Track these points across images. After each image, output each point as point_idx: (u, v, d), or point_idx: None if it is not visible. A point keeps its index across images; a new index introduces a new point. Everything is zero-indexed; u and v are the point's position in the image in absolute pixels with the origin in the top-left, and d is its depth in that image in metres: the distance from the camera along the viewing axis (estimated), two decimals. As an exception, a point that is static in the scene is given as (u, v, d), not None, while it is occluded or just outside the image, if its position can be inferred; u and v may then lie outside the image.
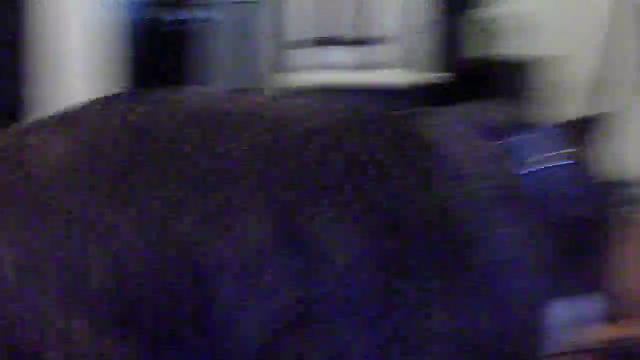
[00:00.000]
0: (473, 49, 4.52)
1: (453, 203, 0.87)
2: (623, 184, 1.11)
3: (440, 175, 0.90)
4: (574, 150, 1.03)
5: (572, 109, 4.41)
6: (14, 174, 0.75)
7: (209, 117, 0.85)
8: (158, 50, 5.76)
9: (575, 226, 1.02)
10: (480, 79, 4.52)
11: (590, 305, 1.04)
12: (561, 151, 1.01)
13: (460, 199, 0.88)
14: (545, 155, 1.00)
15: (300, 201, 0.81)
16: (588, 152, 1.04)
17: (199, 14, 5.27)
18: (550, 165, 1.01)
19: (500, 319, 0.88)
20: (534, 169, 0.99)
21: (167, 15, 6.08)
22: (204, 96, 0.92)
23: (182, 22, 6.06)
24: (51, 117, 0.81)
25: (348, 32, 4.15)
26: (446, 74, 3.97)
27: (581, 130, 1.07)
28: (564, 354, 1.11)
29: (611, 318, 1.21)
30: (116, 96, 0.91)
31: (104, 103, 0.85)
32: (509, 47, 4.62)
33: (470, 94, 4.27)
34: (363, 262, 0.81)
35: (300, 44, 4.04)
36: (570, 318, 0.99)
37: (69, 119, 0.81)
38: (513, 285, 0.89)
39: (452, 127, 0.96)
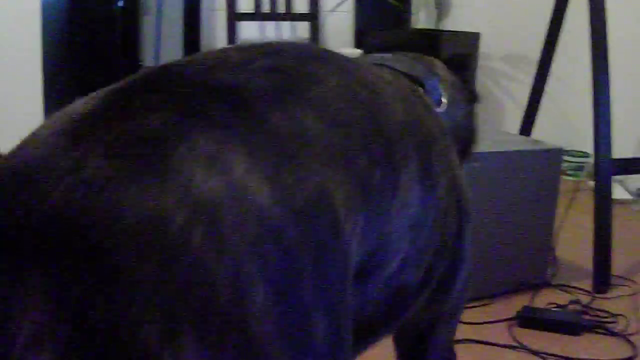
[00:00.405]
0: (392, 25, 4.60)
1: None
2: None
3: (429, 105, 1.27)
4: (465, 97, 1.47)
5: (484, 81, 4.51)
6: None
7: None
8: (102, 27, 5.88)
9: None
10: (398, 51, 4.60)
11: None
12: (459, 97, 1.45)
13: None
14: (450, 98, 1.39)
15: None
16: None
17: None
18: (454, 106, 1.40)
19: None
20: (444, 108, 1.34)
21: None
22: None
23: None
24: None
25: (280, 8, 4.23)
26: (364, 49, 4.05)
27: (467, 88, 1.52)
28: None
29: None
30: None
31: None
32: (427, 22, 4.71)
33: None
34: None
35: (246, 17, 4.12)
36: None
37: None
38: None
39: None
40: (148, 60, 4.89)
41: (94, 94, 0.84)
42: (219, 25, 4.25)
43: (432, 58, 1.58)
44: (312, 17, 4.28)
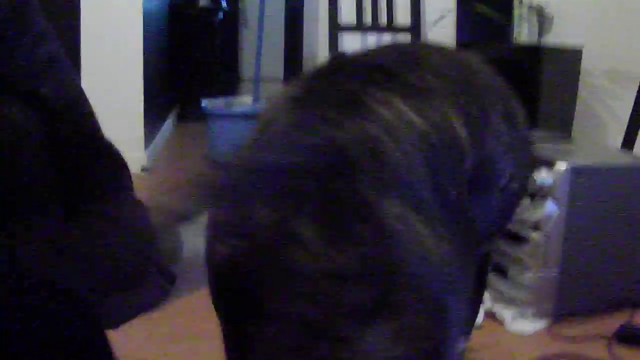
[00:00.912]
0: (493, 38, 4.55)
1: None
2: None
3: None
4: None
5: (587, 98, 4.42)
6: None
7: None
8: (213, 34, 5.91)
9: None
10: (499, 66, 4.53)
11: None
12: None
13: None
14: None
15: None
16: None
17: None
18: None
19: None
20: None
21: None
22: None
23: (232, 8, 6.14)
24: None
25: (380, 20, 4.23)
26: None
27: None
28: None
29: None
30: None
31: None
32: (529, 36, 4.64)
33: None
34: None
35: (348, 29, 4.14)
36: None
37: None
38: None
39: None
40: (247, 72, 4.93)
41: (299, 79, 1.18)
42: (321, 37, 4.28)
43: None
44: (414, 29, 4.29)
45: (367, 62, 1.20)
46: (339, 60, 1.23)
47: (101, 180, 1.33)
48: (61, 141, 1.25)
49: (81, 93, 1.31)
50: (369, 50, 1.29)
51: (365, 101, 1.04)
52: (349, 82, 1.10)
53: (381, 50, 1.30)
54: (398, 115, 1.05)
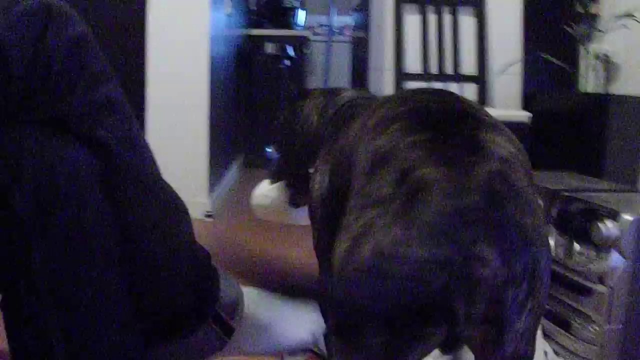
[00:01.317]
0: (559, 87, 4.50)
1: None
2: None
3: None
4: None
5: None
6: None
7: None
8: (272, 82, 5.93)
9: None
10: (566, 115, 4.54)
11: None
12: None
13: None
14: None
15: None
16: None
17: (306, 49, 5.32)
18: None
19: None
20: None
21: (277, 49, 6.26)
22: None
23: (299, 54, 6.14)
24: None
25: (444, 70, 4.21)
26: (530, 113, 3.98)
27: None
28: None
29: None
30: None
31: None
32: (594, 85, 4.57)
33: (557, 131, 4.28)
34: None
35: (414, 77, 4.14)
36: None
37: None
38: None
39: None
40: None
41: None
42: (386, 85, 4.28)
43: None
44: (480, 78, 4.28)
45: (446, 108, 1.28)
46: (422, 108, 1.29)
47: (157, 223, 1.34)
48: (117, 183, 1.26)
49: (138, 136, 1.32)
50: (414, 95, 1.36)
51: (483, 144, 1.18)
52: (460, 128, 1.21)
53: (428, 95, 1.35)
54: (507, 150, 1.20)
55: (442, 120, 1.24)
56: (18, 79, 1.15)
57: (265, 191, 2.02)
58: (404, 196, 1.10)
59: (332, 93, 1.84)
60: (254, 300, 1.56)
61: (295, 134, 1.85)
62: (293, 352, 1.66)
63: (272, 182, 1.99)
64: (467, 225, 1.06)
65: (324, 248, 1.56)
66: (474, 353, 1.18)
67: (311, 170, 1.68)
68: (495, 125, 1.26)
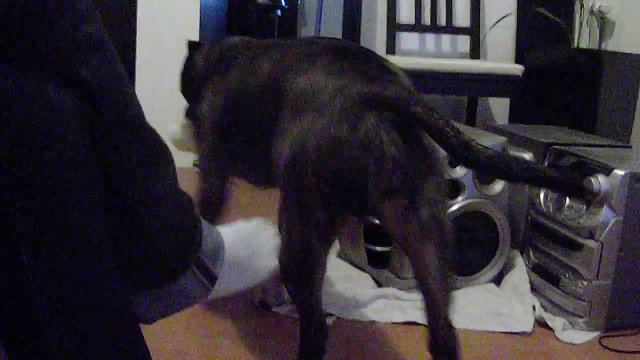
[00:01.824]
0: (553, 42, 4.48)
1: None
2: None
3: None
4: None
5: None
6: None
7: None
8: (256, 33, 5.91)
9: None
10: (559, 69, 4.53)
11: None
12: None
13: None
14: None
15: None
16: None
17: None
18: None
19: None
20: None
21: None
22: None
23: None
24: None
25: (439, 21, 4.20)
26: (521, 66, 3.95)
27: None
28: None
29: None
30: None
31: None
32: (589, 41, 4.55)
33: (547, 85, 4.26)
34: None
35: (406, 28, 4.12)
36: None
37: None
38: None
39: None
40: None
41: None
42: (379, 36, 4.25)
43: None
44: (473, 31, 4.24)
45: (352, 47, 1.68)
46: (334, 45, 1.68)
47: (140, 166, 1.31)
48: (99, 124, 1.23)
49: (123, 78, 1.28)
50: (317, 40, 1.75)
51: (393, 70, 1.65)
52: (371, 60, 1.63)
53: (328, 40, 1.74)
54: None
55: (355, 54, 1.62)
56: None
57: (178, 127, 2.42)
58: (339, 104, 1.47)
59: (216, 42, 2.21)
60: (231, 240, 1.54)
61: (190, 78, 2.22)
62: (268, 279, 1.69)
63: (185, 119, 2.33)
64: (384, 121, 1.45)
65: (215, 155, 2.05)
66: (393, 229, 1.52)
67: None
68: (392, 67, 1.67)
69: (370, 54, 1.66)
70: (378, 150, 1.44)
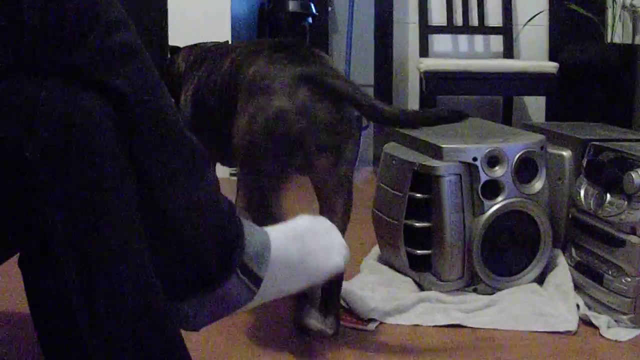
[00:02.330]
0: (586, 38, 4.43)
1: None
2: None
3: None
4: None
5: None
6: None
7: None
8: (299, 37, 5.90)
9: None
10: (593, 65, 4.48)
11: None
12: None
13: None
14: None
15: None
16: None
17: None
18: None
19: None
20: None
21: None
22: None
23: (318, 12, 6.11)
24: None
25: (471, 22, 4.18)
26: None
27: None
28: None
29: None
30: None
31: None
32: (622, 36, 4.50)
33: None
34: None
35: (439, 30, 4.12)
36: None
37: None
38: None
39: None
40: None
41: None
42: (411, 39, 4.24)
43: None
44: (506, 30, 4.23)
45: (290, 42, 2.13)
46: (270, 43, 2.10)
47: (177, 172, 1.31)
48: (135, 132, 1.23)
49: (158, 86, 1.29)
50: (265, 40, 2.46)
51: (323, 56, 2.07)
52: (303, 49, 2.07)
53: (272, 39, 2.20)
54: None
55: (290, 46, 2.05)
56: (31, 27, 1.12)
57: None
58: (279, 83, 1.91)
59: (193, 46, 2.61)
60: (282, 239, 1.54)
61: (172, 79, 2.54)
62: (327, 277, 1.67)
63: None
64: (314, 93, 1.90)
65: None
66: (319, 182, 2.08)
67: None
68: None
69: (301, 45, 2.12)
70: (311, 116, 1.90)
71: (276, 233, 1.55)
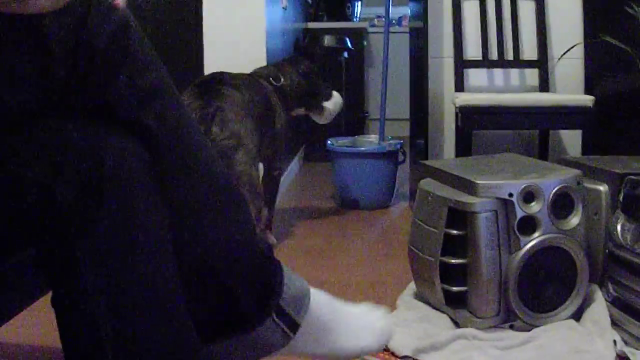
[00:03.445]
0: (622, 70, 4.39)
1: None
2: None
3: None
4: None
5: None
6: None
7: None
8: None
9: None
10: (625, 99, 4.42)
11: None
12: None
13: None
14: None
15: None
16: None
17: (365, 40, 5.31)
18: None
19: None
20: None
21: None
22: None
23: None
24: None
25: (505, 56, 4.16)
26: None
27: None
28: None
29: None
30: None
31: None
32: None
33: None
34: None
35: (474, 65, 4.13)
36: None
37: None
38: None
39: None
40: (373, 111, 4.95)
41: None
42: (446, 73, 4.24)
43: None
44: (541, 63, 4.22)
45: (212, 78, 3.23)
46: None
47: (210, 211, 1.31)
48: (165, 170, 1.24)
49: (187, 122, 1.30)
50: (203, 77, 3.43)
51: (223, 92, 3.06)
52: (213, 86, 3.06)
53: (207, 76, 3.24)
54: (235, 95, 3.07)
55: (206, 83, 3.15)
56: (60, 67, 1.13)
57: None
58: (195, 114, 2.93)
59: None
60: (319, 302, 1.52)
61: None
62: (355, 357, 1.63)
63: None
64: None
65: None
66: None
67: None
68: (233, 84, 3.11)
69: (219, 80, 3.27)
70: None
71: (314, 291, 1.54)
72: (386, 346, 2.21)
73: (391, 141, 4.82)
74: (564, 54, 4.33)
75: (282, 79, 3.72)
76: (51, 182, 1.11)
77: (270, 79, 3.67)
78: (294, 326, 1.45)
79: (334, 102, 4.07)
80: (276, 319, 1.43)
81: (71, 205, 1.12)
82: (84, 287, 1.14)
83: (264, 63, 4.33)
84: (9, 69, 1.12)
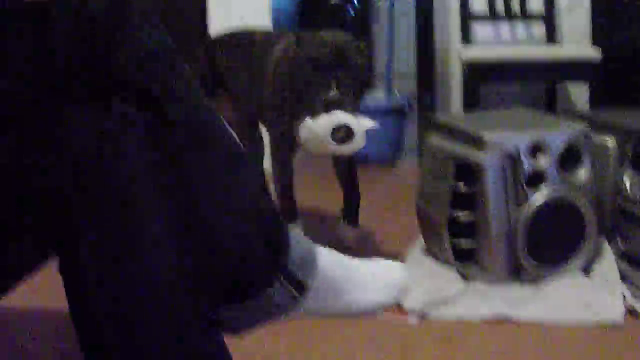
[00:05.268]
0: (628, 21, 4.37)
1: None
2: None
3: None
4: None
5: None
6: None
7: None
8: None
9: None
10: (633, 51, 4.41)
11: None
12: None
13: None
14: None
15: None
16: None
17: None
18: None
19: None
20: None
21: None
22: None
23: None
24: None
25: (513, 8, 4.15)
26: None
27: None
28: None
29: None
30: None
31: None
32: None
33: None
34: None
35: (480, 18, 4.12)
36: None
37: None
38: None
39: None
40: (380, 67, 4.92)
41: None
42: (452, 27, 4.22)
43: None
44: (547, 16, 4.20)
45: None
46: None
47: (215, 175, 1.30)
48: (168, 138, 1.23)
49: (195, 92, 1.29)
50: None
51: None
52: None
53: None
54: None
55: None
56: (60, 40, 1.13)
57: None
58: None
59: None
60: (329, 261, 1.51)
61: None
62: (368, 314, 1.62)
63: None
64: None
65: None
66: None
67: None
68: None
69: None
70: None
71: (324, 250, 1.53)
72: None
73: (398, 96, 4.80)
74: (571, 5, 4.31)
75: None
76: (50, 166, 1.12)
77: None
78: (302, 288, 1.44)
79: None
80: (283, 282, 1.42)
81: (69, 184, 1.12)
82: (82, 260, 1.14)
83: (268, 21, 4.32)
84: (9, 53, 1.11)
